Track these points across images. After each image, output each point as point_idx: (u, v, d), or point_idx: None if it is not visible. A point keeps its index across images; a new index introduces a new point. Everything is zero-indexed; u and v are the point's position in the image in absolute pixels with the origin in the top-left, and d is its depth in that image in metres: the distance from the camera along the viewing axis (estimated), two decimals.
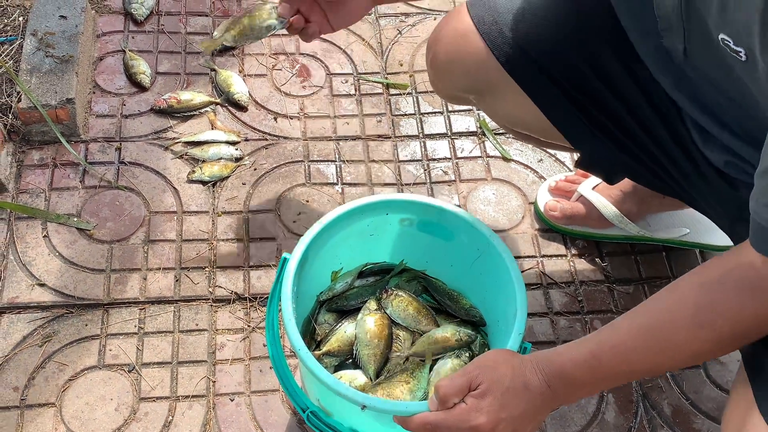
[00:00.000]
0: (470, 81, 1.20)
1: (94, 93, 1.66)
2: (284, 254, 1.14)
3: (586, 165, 1.23)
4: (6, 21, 1.67)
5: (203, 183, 1.56)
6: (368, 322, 1.21)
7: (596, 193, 1.48)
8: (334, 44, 1.79)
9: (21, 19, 1.67)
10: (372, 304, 1.23)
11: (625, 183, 1.45)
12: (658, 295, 0.92)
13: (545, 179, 1.59)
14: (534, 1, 1.13)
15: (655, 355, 0.90)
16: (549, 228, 1.54)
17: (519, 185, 1.60)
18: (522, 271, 1.43)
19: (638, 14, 0.98)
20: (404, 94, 1.73)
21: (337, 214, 1.18)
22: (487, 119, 1.68)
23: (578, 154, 1.22)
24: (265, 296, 1.43)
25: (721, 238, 1.39)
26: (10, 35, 1.64)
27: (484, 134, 1.66)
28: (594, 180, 1.51)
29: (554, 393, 0.92)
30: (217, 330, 1.39)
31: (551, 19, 1.11)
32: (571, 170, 1.62)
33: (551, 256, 1.51)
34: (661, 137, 1.10)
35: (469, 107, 1.70)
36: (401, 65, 1.78)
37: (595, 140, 1.14)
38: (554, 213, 1.52)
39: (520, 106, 1.16)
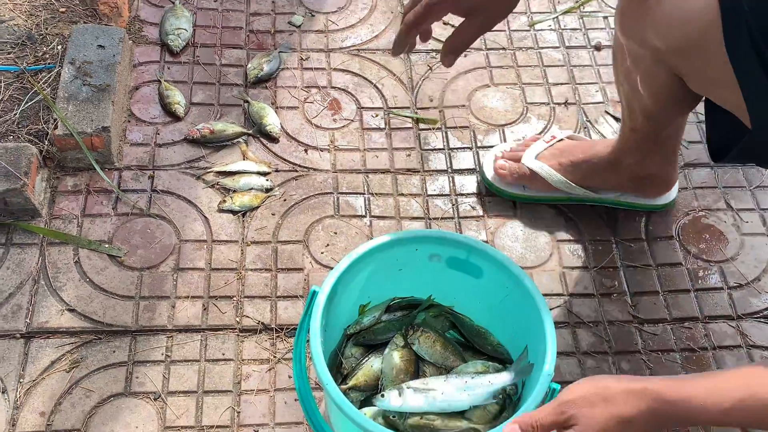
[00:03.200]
0: (682, 44, 1.11)
1: (129, 121, 1.68)
2: (313, 287, 1.14)
3: (732, 159, 1.20)
4: (45, 49, 1.70)
5: (233, 213, 1.57)
6: (395, 358, 1.21)
7: (540, 161, 1.56)
8: (365, 78, 1.81)
9: (60, 47, 1.70)
10: (399, 339, 1.23)
11: (575, 153, 1.55)
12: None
13: (572, 218, 1.60)
14: None
15: None
16: (494, 194, 1.62)
17: (547, 222, 1.59)
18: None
19: None
20: (434, 129, 1.74)
21: (366, 248, 1.18)
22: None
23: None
24: (292, 327, 1.43)
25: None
26: (49, 63, 1.68)
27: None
28: (536, 148, 1.58)
29: (657, 427, 0.90)
30: (243, 360, 1.39)
31: None
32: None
33: (579, 294, 1.50)
34: None
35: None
36: (431, 101, 1.79)
37: None
38: (503, 171, 1.59)
39: (717, 82, 1.09)
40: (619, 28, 1.25)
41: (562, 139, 1.61)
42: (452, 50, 1.15)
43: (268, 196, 1.60)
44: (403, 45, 1.14)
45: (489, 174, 1.62)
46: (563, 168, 1.55)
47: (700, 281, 1.53)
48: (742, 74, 1.05)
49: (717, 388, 0.90)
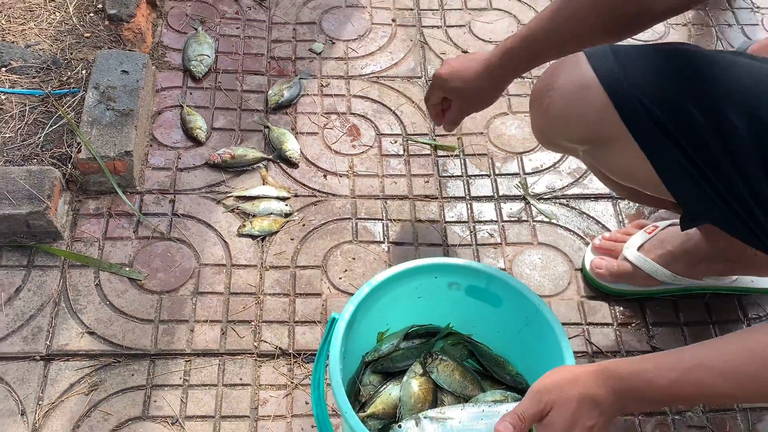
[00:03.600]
0: (586, 133, 1.16)
1: (151, 146, 1.70)
2: (333, 314, 1.15)
3: (688, 225, 1.22)
4: (70, 73, 1.73)
5: (252, 237, 1.58)
6: (413, 386, 1.21)
7: (642, 255, 1.48)
8: (385, 105, 1.82)
9: (84, 72, 1.73)
10: (417, 367, 1.23)
11: (675, 243, 1.45)
12: (749, 340, 0.93)
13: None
14: (663, 56, 1.11)
15: (740, 398, 0.96)
16: (597, 290, 1.53)
17: (565, 251, 1.60)
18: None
19: None
20: (452, 156, 1.75)
21: (386, 276, 1.19)
22: (530, 183, 1.69)
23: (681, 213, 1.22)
24: (310, 352, 1.43)
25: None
26: (74, 87, 1.70)
27: (527, 200, 1.67)
28: (637, 240, 1.51)
29: (622, 406, 0.98)
30: (260, 385, 1.40)
31: (679, 76, 1.08)
32: (609, 230, 1.62)
33: (597, 324, 1.50)
34: None
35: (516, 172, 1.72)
36: None
37: (708, 204, 1.10)
38: (600, 271, 1.51)
39: (634, 163, 1.12)
40: (537, 138, 1.30)
41: (663, 228, 1.52)
42: (446, 126, 1.51)
43: (287, 221, 1.61)
44: (436, 118, 1.52)
45: (588, 266, 1.55)
46: (665, 260, 1.46)
47: (717, 314, 1.53)
48: (650, 151, 1.10)
49: (666, 360, 0.97)
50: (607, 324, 1.50)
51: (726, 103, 1.05)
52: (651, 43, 1.17)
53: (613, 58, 1.12)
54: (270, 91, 1.81)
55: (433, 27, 1.99)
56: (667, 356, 0.98)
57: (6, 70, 1.72)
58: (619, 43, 1.16)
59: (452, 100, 1.45)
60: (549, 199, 1.68)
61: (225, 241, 1.58)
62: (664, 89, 1.08)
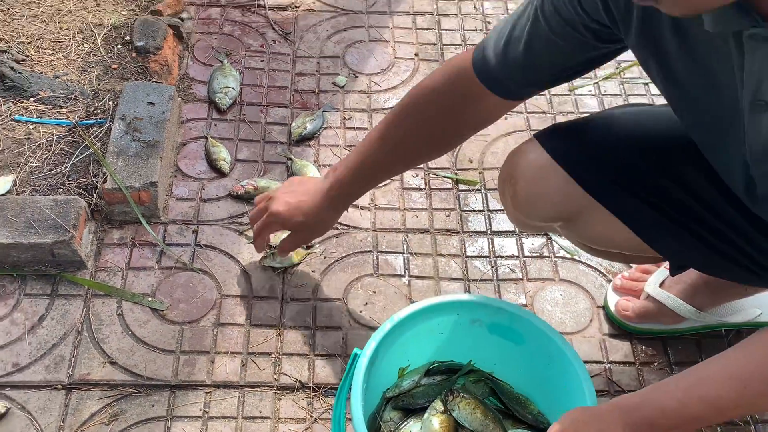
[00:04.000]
0: (556, 211, 1.22)
1: (175, 176, 1.72)
2: (355, 349, 1.15)
3: (678, 272, 1.23)
4: (97, 104, 1.76)
5: (274, 269, 1.59)
6: (434, 423, 1.20)
7: (665, 291, 1.47)
8: None
9: (111, 103, 1.75)
10: (438, 405, 1.23)
11: (693, 276, 1.45)
12: (745, 345, 0.94)
13: None
14: (606, 124, 1.17)
15: (748, 403, 0.95)
16: (620, 328, 1.52)
17: (587, 287, 1.59)
18: None
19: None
20: (473, 190, 1.76)
21: (408, 312, 1.19)
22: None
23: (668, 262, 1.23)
24: (329, 386, 1.43)
25: None
26: (100, 118, 1.73)
27: (549, 236, 1.67)
28: (658, 277, 1.50)
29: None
30: (279, 418, 1.40)
31: (625, 140, 1.14)
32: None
33: (619, 362, 1.49)
34: (751, 234, 1.11)
35: None
36: (471, 162, 1.81)
37: (689, 249, 1.14)
38: (626, 312, 1.51)
39: (609, 227, 1.17)
40: (513, 224, 1.37)
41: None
42: (283, 250, 1.51)
43: (309, 254, 1.62)
44: (260, 248, 1.51)
45: (613, 307, 1.53)
46: (688, 293, 1.46)
47: None
48: (622, 214, 1.15)
49: (670, 383, 0.98)
50: (629, 363, 1.49)
51: (675, 155, 1.11)
52: (590, 114, 1.24)
53: (563, 135, 1.19)
54: (293, 124, 1.83)
55: None
56: (671, 380, 0.99)
57: (34, 100, 1.75)
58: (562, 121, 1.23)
59: (291, 232, 1.47)
60: (559, 234, 1.67)
61: (247, 273, 1.59)
62: (615, 154, 1.14)
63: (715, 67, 0.89)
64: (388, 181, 1.75)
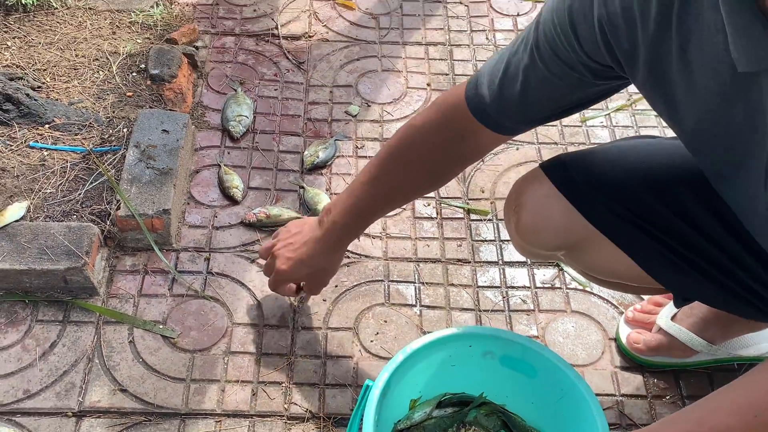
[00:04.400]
0: (559, 240, 1.22)
1: (188, 204, 1.73)
2: (367, 381, 1.15)
3: (682, 304, 1.23)
4: (111, 131, 1.77)
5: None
6: None
7: (676, 324, 1.47)
8: None
9: (125, 130, 1.77)
10: None
11: (704, 309, 1.44)
12: (754, 375, 0.92)
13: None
14: (612, 155, 1.17)
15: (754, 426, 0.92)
16: (632, 361, 1.51)
17: (599, 319, 1.58)
18: None
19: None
20: (485, 220, 1.76)
21: (421, 343, 1.19)
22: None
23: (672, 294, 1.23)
24: (340, 416, 1.43)
25: None
26: (114, 145, 1.74)
27: (561, 267, 1.67)
28: (670, 309, 1.50)
29: None
30: None
31: (630, 172, 1.14)
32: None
33: (631, 395, 1.48)
34: (756, 270, 1.11)
35: None
36: (482, 192, 1.81)
37: (692, 283, 1.14)
38: (638, 345, 1.50)
39: (611, 258, 1.17)
40: (518, 251, 1.35)
41: None
42: (308, 296, 1.58)
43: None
44: (288, 294, 1.49)
45: (624, 339, 1.53)
46: (699, 327, 1.45)
47: None
48: (626, 245, 1.15)
49: (682, 415, 0.96)
50: (641, 396, 1.48)
51: (681, 189, 1.11)
52: (599, 144, 1.23)
53: (569, 165, 1.19)
54: (306, 152, 1.84)
55: None
56: (683, 413, 0.97)
57: (49, 127, 1.76)
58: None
59: (302, 285, 1.49)
60: (563, 263, 1.67)
61: (258, 301, 1.59)
62: (620, 185, 1.14)
63: (727, 97, 0.89)
64: (399, 210, 1.76)
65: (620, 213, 1.13)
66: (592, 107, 1.24)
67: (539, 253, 1.30)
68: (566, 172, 1.18)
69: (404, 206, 1.76)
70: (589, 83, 1.04)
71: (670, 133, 1.10)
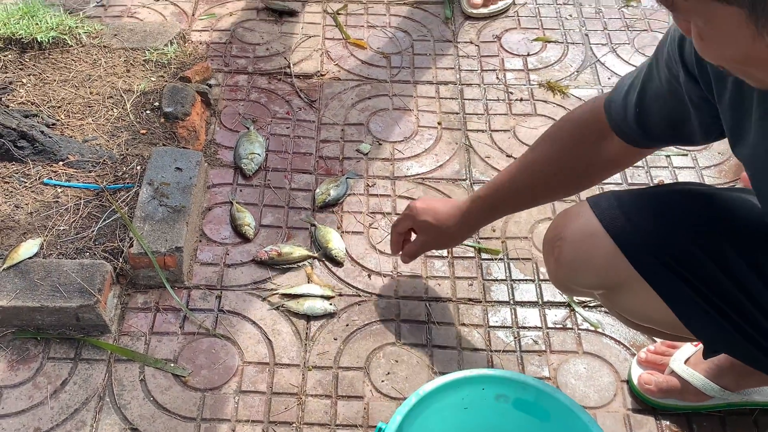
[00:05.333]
0: (599, 279, 1.20)
1: (200, 241, 1.73)
2: (380, 423, 1.14)
3: (711, 355, 1.22)
4: (125, 169, 1.78)
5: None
6: None
7: (690, 368, 1.46)
8: None
9: (139, 168, 1.78)
10: None
11: (721, 356, 1.43)
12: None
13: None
14: (662, 200, 1.15)
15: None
16: (644, 403, 1.50)
17: (611, 361, 1.58)
18: None
19: None
20: (496, 259, 1.76)
21: (434, 386, 1.18)
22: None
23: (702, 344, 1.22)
24: None
25: None
26: (128, 182, 1.75)
27: (572, 308, 1.66)
28: (684, 353, 1.49)
29: None
30: None
31: (680, 219, 1.13)
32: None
33: None
34: None
35: None
36: (494, 231, 1.81)
37: (725, 337, 1.13)
38: (649, 386, 1.49)
39: (648, 304, 1.16)
40: (554, 284, 1.35)
41: None
42: (405, 257, 1.60)
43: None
44: (394, 247, 1.61)
45: (636, 381, 1.52)
46: (714, 373, 1.45)
47: (765, 431, 1.49)
48: (664, 292, 1.14)
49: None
50: None
51: (728, 244, 1.09)
52: (651, 186, 1.23)
53: (616, 204, 1.17)
54: (317, 190, 1.85)
55: (478, 131, 2.03)
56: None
57: (63, 164, 1.78)
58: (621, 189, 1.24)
59: (418, 233, 1.55)
60: (594, 306, 1.67)
61: (269, 339, 1.59)
62: (667, 233, 1.13)
63: None
64: None
65: (664, 261, 1.12)
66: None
67: (575, 289, 1.30)
68: (614, 211, 1.16)
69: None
70: (688, 108, 1.06)
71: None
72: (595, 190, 1.40)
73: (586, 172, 1.32)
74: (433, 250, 1.72)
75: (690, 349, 1.49)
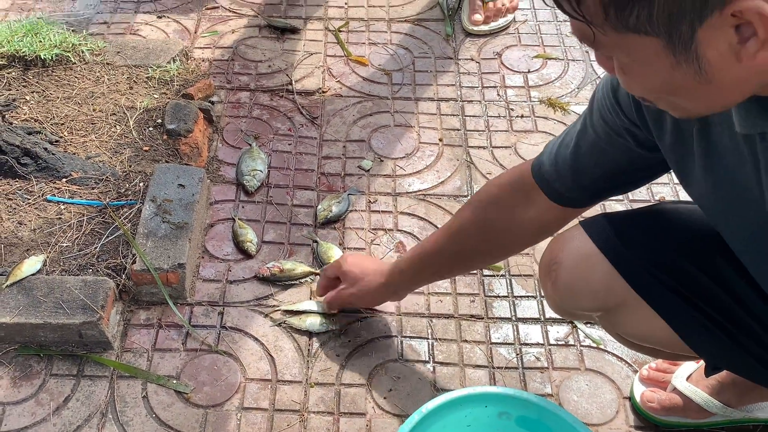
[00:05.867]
0: (597, 301, 1.21)
1: (202, 258, 1.74)
2: None
3: (712, 373, 1.23)
4: (128, 185, 1.79)
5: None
6: None
7: (692, 385, 1.46)
8: (431, 223, 1.85)
9: (142, 184, 1.79)
10: None
11: (722, 372, 1.43)
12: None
13: None
14: (654, 218, 1.16)
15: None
16: (647, 420, 1.50)
17: (613, 378, 1.58)
18: None
19: None
20: (497, 275, 1.76)
21: (436, 404, 1.19)
22: None
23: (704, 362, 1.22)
24: None
25: None
26: (131, 199, 1.76)
27: (574, 324, 1.67)
28: (686, 370, 1.49)
29: None
30: None
31: (672, 237, 1.14)
32: None
33: None
34: None
35: None
36: None
37: (726, 351, 1.13)
38: (652, 404, 1.49)
39: (648, 323, 1.16)
40: (552, 309, 1.36)
41: None
42: (327, 301, 1.62)
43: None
44: (322, 293, 1.64)
45: (638, 398, 1.51)
46: (716, 390, 1.45)
47: None
48: (663, 310, 1.14)
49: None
50: None
51: (719, 256, 1.10)
52: (641, 207, 1.24)
53: (609, 226, 1.18)
54: (319, 206, 1.86)
55: (479, 147, 2.04)
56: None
57: (66, 181, 1.78)
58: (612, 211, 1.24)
59: (343, 282, 1.59)
60: (596, 323, 1.67)
61: (271, 356, 1.59)
62: (660, 250, 1.14)
63: (738, 172, 0.91)
64: None
65: (661, 278, 1.12)
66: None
67: (574, 312, 1.30)
68: (608, 232, 1.17)
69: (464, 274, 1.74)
70: (634, 152, 1.07)
71: None
72: (586, 215, 1.41)
73: (511, 237, 1.33)
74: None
75: (692, 365, 1.49)
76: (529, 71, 2.27)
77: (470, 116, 2.13)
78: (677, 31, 0.70)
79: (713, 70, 0.72)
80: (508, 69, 2.28)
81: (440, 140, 2.06)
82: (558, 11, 1.94)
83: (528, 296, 1.72)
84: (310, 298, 1.69)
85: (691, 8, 0.68)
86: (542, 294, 1.72)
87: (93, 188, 1.78)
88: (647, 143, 1.05)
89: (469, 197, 1.91)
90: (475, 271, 1.76)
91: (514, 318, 1.69)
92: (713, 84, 0.74)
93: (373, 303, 1.63)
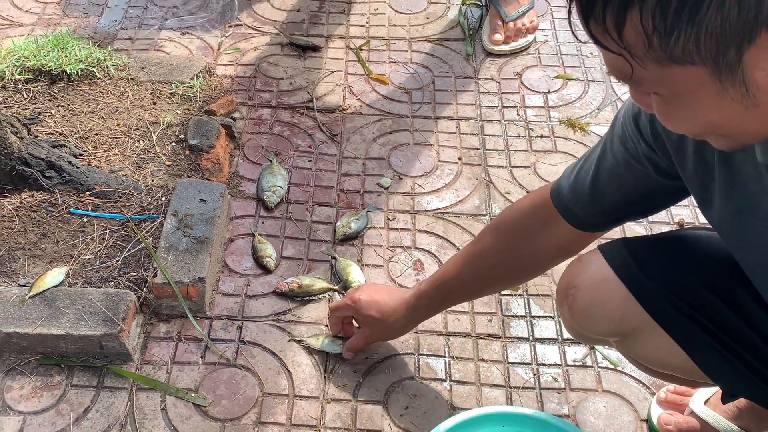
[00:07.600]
0: (613, 326, 1.21)
1: (222, 272, 1.75)
2: None
3: (729, 400, 1.22)
4: (150, 200, 1.81)
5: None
6: None
7: (710, 409, 1.45)
8: (449, 241, 1.86)
9: (164, 199, 1.81)
10: None
11: (741, 399, 1.42)
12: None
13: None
14: (673, 245, 1.17)
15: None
16: None
17: (631, 399, 1.57)
18: None
19: None
20: (515, 295, 1.77)
21: (454, 422, 1.19)
22: None
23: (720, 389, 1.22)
24: None
25: None
26: (153, 213, 1.78)
27: (593, 346, 1.66)
28: (704, 393, 1.48)
29: None
30: None
31: (691, 264, 1.14)
32: None
33: None
34: None
35: None
36: None
37: (742, 380, 1.13)
38: (669, 427, 1.48)
39: (664, 349, 1.16)
40: (569, 333, 1.35)
41: None
42: (349, 350, 1.59)
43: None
44: (333, 328, 1.63)
45: (656, 420, 1.50)
46: (734, 414, 1.44)
47: None
48: (680, 337, 1.14)
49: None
50: None
51: (737, 284, 1.09)
52: (659, 233, 1.24)
53: (627, 251, 1.18)
54: (338, 223, 1.87)
55: (498, 167, 2.05)
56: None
57: (90, 194, 1.81)
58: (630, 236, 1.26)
59: (362, 326, 1.58)
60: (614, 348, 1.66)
61: (289, 371, 1.60)
62: (677, 277, 1.14)
63: (759, 201, 0.91)
64: None
65: (678, 305, 1.12)
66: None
67: (590, 336, 1.30)
68: (625, 258, 1.16)
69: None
70: (653, 179, 1.07)
71: None
72: (601, 241, 1.41)
73: (531, 261, 1.34)
74: None
75: (710, 389, 1.49)
76: (549, 91, 2.28)
77: (490, 135, 2.14)
78: (724, 56, 0.67)
79: (761, 93, 0.70)
80: (528, 89, 2.29)
81: (459, 159, 2.07)
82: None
83: (546, 316, 1.73)
84: (326, 336, 1.66)
85: (743, 27, 0.65)
86: (560, 315, 1.72)
87: (116, 202, 1.80)
88: (667, 170, 1.05)
89: (487, 216, 1.92)
90: None
91: (531, 338, 1.69)
92: (760, 107, 0.71)
93: (397, 336, 1.61)
